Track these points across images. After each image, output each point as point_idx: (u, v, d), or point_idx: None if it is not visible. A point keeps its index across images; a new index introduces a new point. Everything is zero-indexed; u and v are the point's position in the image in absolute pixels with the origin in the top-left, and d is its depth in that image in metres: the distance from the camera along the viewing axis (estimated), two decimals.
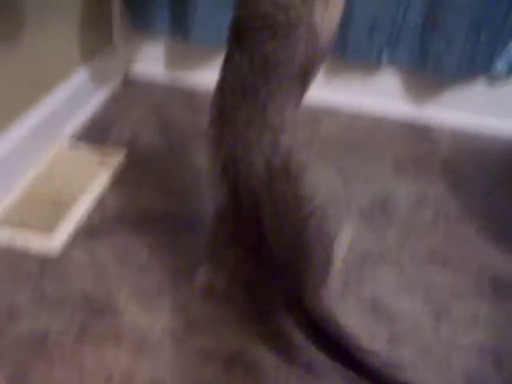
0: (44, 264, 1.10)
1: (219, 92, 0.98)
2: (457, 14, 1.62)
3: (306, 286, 0.92)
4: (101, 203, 1.27)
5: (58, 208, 1.23)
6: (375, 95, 1.80)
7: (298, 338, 0.95)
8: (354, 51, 1.70)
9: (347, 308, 1.08)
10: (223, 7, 1.68)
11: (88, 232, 1.19)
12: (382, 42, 1.69)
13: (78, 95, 1.52)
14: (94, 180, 1.32)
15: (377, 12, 1.64)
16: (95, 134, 1.51)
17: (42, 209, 1.23)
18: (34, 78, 1.33)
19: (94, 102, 1.62)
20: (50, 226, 1.18)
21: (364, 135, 1.69)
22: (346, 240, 0.98)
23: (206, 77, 1.83)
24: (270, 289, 0.92)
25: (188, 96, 1.77)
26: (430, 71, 1.72)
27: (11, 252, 1.12)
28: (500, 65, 1.71)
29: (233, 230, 0.93)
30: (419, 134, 1.73)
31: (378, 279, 1.17)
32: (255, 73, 0.92)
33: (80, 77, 1.54)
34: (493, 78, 1.75)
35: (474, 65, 1.69)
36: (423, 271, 1.20)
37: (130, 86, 1.78)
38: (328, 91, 1.80)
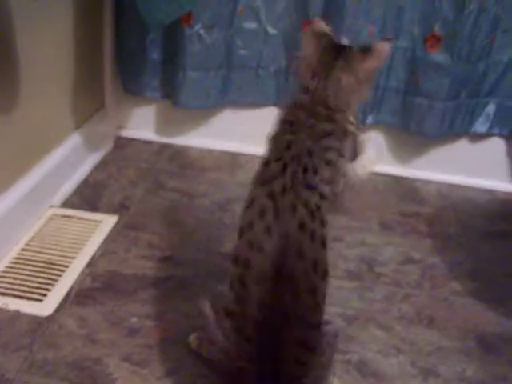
0: (35, 330, 1.11)
1: None
2: (437, 76, 1.69)
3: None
4: (92, 268, 1.29)
5: (50, 274, 1.25)
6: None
7: None
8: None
9: (335, 370, 1.09)
10: (211, 71, 1.74)
11: (79, 297, 1.20)
12: (366, 108, 1.75)
13: (70, 160, 1.56)
14: (85, 245, 1.35)
15: None
16: (87, 198, 1.54)
17: (34, 274, 1.24)
18: (27, 146, 1.37)
19: (86, 166, 1.65)
20: (41, 292, 1.20)
21: (351, 194, 1.72)
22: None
23: (197, 139, 1.89)
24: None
25: (179, 158, 1.82)
26: (413, 132, 1.77)
27: (3, 317, 1.13)
28: (479, 124, 1.77)
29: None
30: (405, 192, 1.77)
31: (366, 340, 1.18)
32: None
33: (72, 142, 1.58)
34: (473, 137, 1.81)
35: (455, 125, 1.75)
36: (410, 331, 1.22)
37: (122, 149, 1.82)
38: None
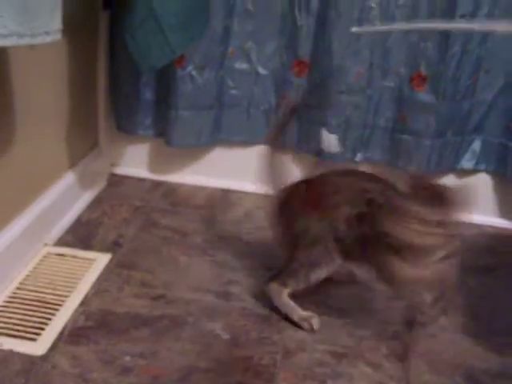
0: (29, 369, 1.12)
1: None
2: (423, 114, 1.73)
3: None
4: (85, 307, 1.30)
5: (43, 312, 1.26)
6: None
7: None
8: (330, 154, 1.80)
9: None
10: (203, 110, 1.78)
11: (73, 336, 1.21)
12: (355, 145, 1.79)
13: (64, 198, 1.58)
14: (79, 284, 1.36)
15: (348, 117, 1.76)
16: (81, 236, 1.56)
17: (29, 313, 1.25)
18: (22, 184, 1.39)
19: (80, 204, 1.67)
20: (35, 331, 1.21)
21: None
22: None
23: (189, 177, 1.92)
24: None
25: (171, 196, 1.84)
26: (401, 168, 1.81)
27: None
28: (466, 161, 1.81)
29: None
30: None
31: (355, 377, 1.19)
32: None
33: (67, 180, 1.61)
34: (460, 174, 1.85)
35: (442, 162, 1.79)
36: (399, 368, 1.23)
37: (115, 187, 1.84)
38: None
